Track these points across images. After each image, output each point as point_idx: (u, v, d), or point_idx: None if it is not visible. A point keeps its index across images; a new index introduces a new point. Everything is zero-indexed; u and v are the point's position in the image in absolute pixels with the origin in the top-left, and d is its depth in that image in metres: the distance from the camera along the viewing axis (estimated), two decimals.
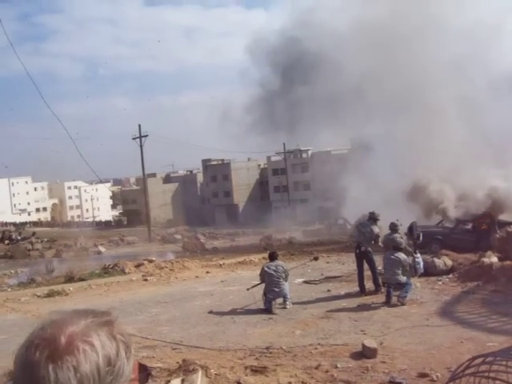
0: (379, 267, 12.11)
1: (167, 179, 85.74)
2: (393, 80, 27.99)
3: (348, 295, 12.07)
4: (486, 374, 3.47)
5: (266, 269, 11.22)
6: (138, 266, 18.07)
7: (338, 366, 7.09)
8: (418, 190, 23.00)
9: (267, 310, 10.76)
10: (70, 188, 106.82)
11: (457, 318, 9.73)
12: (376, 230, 12.15)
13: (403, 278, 10.96)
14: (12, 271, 22.26)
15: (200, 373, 6.30)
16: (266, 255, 15.64)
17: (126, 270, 17.64)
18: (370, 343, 7.63)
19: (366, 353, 7.44)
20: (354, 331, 8.99)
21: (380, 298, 11.36)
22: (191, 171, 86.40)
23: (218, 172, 75.90)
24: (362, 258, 12.20)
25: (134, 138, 46.28)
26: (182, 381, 6.14)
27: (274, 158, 70.52)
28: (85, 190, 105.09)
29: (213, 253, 25.82)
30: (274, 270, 11.10)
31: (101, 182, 59.26)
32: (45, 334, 0.97)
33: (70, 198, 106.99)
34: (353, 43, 31.58)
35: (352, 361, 7.31)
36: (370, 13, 30.96)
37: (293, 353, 7.81)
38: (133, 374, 1.03)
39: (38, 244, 36.04)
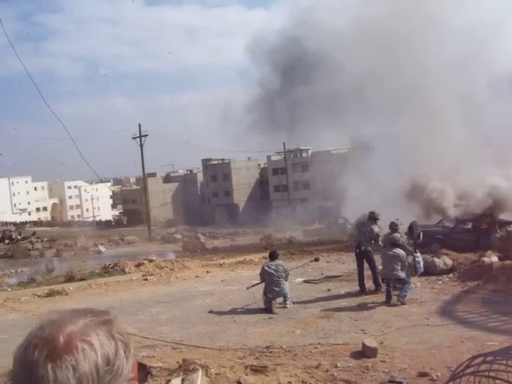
0: (379, 267, 12.11)
1: (167, 179, 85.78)
2: (393, 80, 27.97)
3: (348, 295, 12.07)
4: (487, 374, 3.47)
5: (266, 268, 11.22)
6: (138, 265, 18.08)
7: (338, 365, 7.08)
8: (418, 189, 23.01)
9: (267, 309, 10.75)
10: (70, 188, 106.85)
11: (457, 317, 9.72)
12: (376, 229, 12.16)
13: (402, 274, 10.95)
14: (12, 271, 22.28)
15: (200, 372, 6.29)
16: (266, 255, 15.65)
17: (126, 270, 17.65)
18: (370, 342, 7.63)
19: (366, 352, 7.44)
20: (354, 330, 8.99)
21: (380, 297, 11.36)
22: (191, 171, 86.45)
23: (218, 171, 75.89)
24: (362, 257, 12.22)
25: (134, 138, 46.34)
26: (182, 380, 6.14)
27: (274, 158, 70.60)
28: (85, 190, 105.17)
29: (213, 252, 25.83)
30: (274, 270, 11.10)
31: (101, 181, 59.38)
32: (43, 333, 0.97)
33: (70, 197, 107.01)
34: (353, 43, 31.56)
35: (352, 360, 7.31)
36: (370, 12, 30.96)
37: (293, 352, 7.81)
38: (132, 373, 1.03)
39: (38, 244, 36.04)
